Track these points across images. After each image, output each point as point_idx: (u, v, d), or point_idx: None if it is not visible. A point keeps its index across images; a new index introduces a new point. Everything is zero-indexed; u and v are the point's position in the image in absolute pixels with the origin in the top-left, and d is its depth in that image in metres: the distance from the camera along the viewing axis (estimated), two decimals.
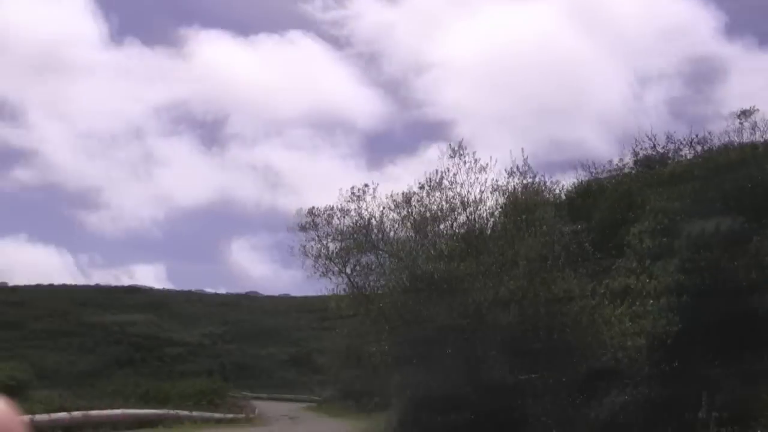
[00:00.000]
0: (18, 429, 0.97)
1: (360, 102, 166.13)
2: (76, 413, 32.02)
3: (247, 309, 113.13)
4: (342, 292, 26.36)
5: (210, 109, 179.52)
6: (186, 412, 39.67)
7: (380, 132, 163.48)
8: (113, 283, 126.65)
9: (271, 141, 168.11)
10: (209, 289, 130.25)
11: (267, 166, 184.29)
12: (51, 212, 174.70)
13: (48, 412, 29.91)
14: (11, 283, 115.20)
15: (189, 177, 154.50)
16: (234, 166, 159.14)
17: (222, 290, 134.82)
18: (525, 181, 24.40)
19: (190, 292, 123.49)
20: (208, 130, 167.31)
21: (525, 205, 23.34)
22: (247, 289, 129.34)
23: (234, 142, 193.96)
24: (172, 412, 38.79)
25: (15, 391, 33.49)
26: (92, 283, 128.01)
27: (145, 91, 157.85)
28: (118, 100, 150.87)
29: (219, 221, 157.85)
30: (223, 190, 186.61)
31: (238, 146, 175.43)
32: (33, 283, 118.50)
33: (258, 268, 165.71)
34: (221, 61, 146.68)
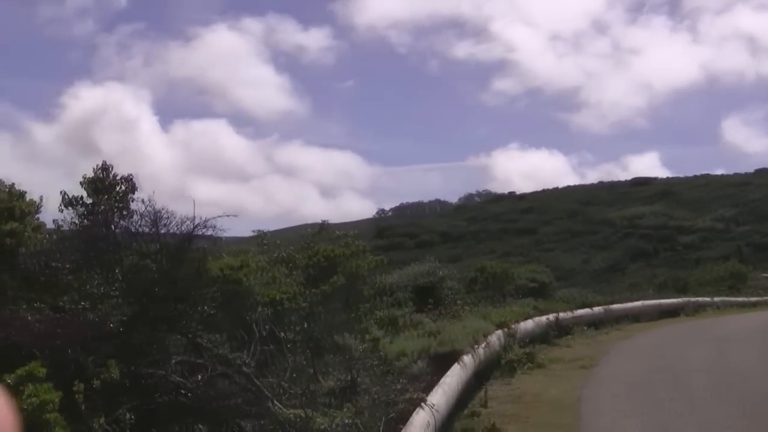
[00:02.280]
0: (9, 422, 0.99)
1: None
2: (597, 308, 32.62)
3: (759, 188, 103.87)
4: None
5: None
6: (707, 299, 38.11)
7: None
8: (607, 178, 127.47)
9: (739, 7, 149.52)
10: (715, 172, 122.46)
11: (746, 35, 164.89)
12: (535, 117, 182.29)
13: (570, 309, 30.85)
14: (518, 191, 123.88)
15: (664, 60, 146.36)
16: (708, 40, 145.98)
17: (724, 171, 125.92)
18: None
19: (694, 177, 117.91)
20: (671, 8, 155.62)
21: None
22: (755, 167, 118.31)
23: (703, 14, 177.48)
24: (692, 299, 37.53)
25: (537, 292, 35.51)
26: (588, 181, 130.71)
27: None
28: None
29: (705, 100, 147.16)
30: (703, 68, 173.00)
31: (709, 18, 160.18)
32: (538, 188, 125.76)
33: (759, 143, 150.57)
34: None
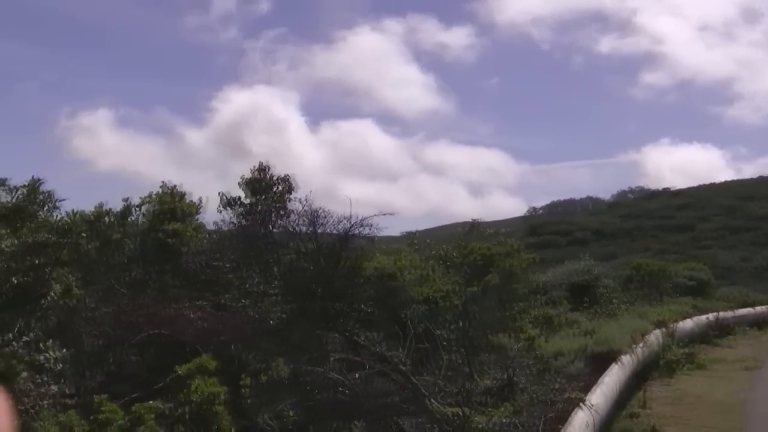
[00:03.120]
0: (5, 423, 0.99)
1: None
2: (760, 308, 31.07)
3: None
4: None
5: None
6: None
7: None
8: (765, 173, 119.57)
9: None
10: None
11: None
12: (687, 111, 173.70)
13: (731, 308, 29.62)
14: (672, 187, 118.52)
15: None
16: None
17: None
18: None
19: None
20: None
21: None
22: None
23: None
24: None
25: (696, 291, 33.83)
26: (745, 176, 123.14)
27: None
28: None
29: None
30: None
31: None
32: (692, 184, 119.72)
33: None
34: None
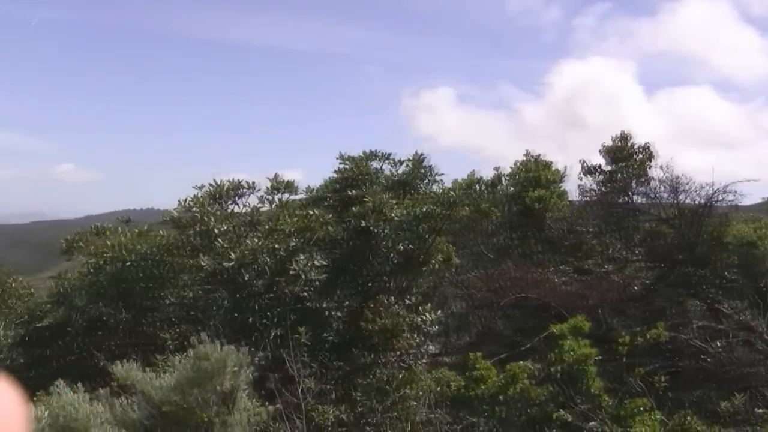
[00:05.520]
0: (15, 412, 0.92)
1: None
2: None
3: None
4: None
5: None
6: None
7: None
8: None
9: None
10: None
11: None
12: None
13: None
14: None
15: None
16: None
17: None
18: None
19: None
20: None
21: None
22: None
23: None
24: None
25: None
26: None
27: None
28: None
29: None
30: None
31: None
32: None
33: None
34: None
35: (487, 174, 23.16)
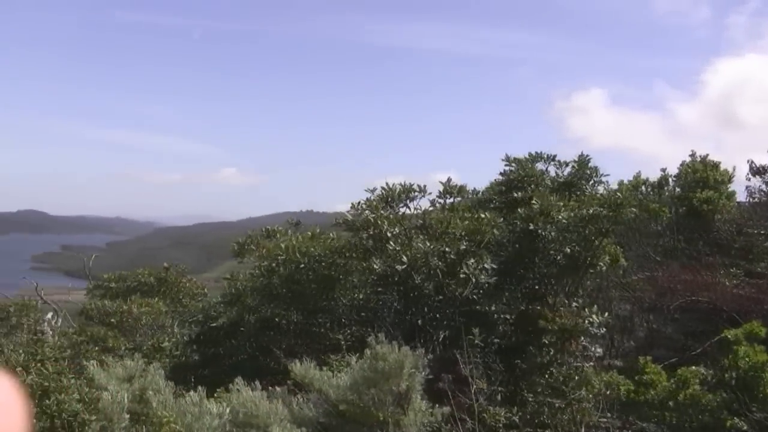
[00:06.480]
0: (16, 407, 0.93)
1: None
2: None
3: None
4: None
5: None
6: None
7: None
8: None
9: None
10: None
11: None
12: None
13: None
14: None
15: None
16: None
17: None
18: None
19: None
20: None
21: None
22: None
23: None
24: None
25: None
26: None
27: None
28: None
29: None
30: None
31: None
32: None
33: None
34: None
35: (648, 176, 22.65)
